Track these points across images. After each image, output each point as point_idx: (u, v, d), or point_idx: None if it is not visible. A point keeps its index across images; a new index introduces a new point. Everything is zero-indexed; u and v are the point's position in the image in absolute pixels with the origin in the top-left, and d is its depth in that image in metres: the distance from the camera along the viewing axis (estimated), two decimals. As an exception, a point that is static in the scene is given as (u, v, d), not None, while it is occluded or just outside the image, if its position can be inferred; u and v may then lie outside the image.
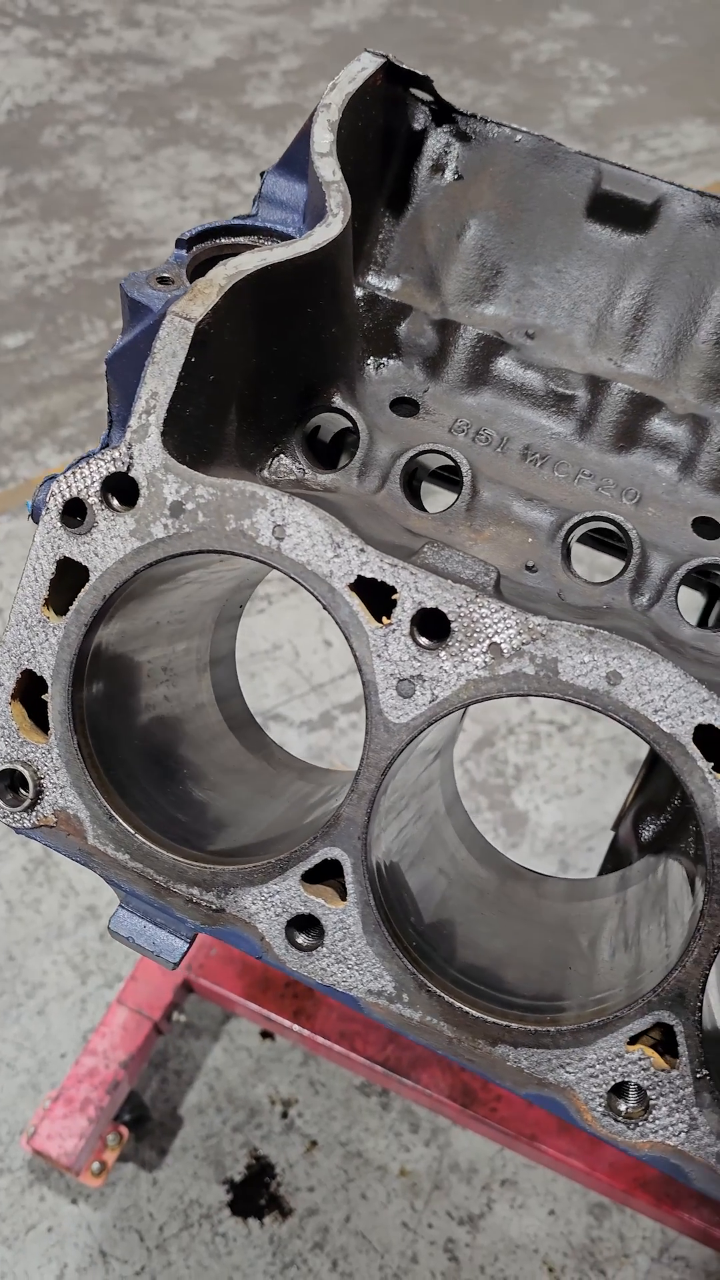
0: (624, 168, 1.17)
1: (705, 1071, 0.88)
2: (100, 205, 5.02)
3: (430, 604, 0.90)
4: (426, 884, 1.11)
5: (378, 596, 0.93)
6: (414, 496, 1.13)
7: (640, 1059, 0.90)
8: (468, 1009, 0.94)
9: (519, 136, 1.20)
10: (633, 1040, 0.91)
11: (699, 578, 1.15)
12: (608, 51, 6.20)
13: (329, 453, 1.18)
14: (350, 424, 1.12)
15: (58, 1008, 2.86)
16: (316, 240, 0.98)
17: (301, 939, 1.00)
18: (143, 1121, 2.68)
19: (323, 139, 1.05)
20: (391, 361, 1.20)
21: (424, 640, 0.91)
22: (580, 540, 1.13)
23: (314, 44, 6.14)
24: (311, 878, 0.98)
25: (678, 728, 0.86)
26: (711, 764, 0.86)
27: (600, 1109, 0.92)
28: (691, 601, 1.28)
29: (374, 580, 0.91)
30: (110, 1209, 2.60)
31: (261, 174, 1.14)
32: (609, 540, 1.15)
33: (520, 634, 0.88)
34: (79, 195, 5.04)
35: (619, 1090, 0.93)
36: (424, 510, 1.11)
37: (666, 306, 1.18)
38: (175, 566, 1.00)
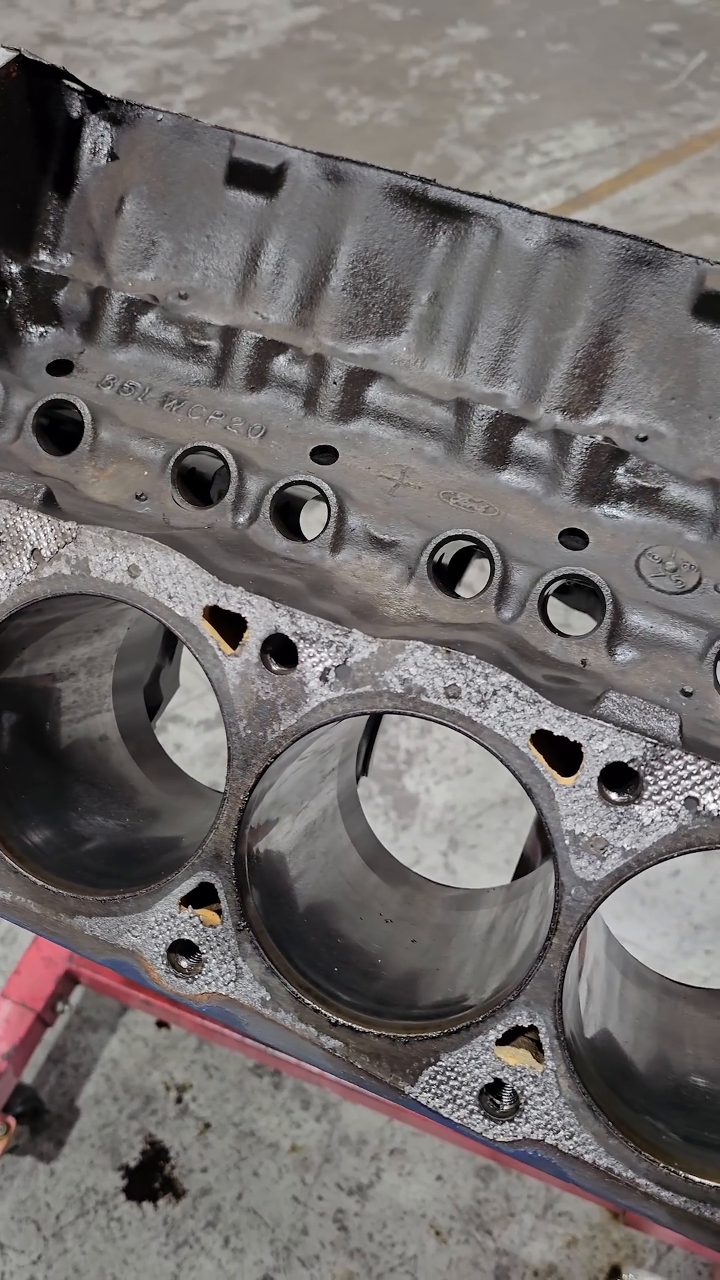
0: (254, 137, 1.27)
1: (245, 923, 0.97)
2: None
3: None
4: (45, 787, 1.20)
5: None
6: (60, 446, 1.23)
7: (191, 917, 0.98)
8: (47, 885, 1.03)
9: (160, 116, 1.30)
10: (186, 901, 0.99)
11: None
12: (502, 62, 6.36)
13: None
14: None
15: (-42, 1011, 2.93)
16: None
17: None
18: (38, 1114, 2.74)
19: (-63, 126, 1.16)
20: (52, 329, 1.30)
21: None
22: (213, 480, 1.22)
23: (217, 73, 6.31)
24: None
25: (189, 611, 0.95)
26: (220, 639, 0.95)
27: (164, 967, 1.01)
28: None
29: None
30: (8, 1201, 2.66)
31: None
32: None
33: (57, 539, 0.98)
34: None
35: (178, 948, 1.02)
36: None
37: (301, 260, 1.28)
38: None
